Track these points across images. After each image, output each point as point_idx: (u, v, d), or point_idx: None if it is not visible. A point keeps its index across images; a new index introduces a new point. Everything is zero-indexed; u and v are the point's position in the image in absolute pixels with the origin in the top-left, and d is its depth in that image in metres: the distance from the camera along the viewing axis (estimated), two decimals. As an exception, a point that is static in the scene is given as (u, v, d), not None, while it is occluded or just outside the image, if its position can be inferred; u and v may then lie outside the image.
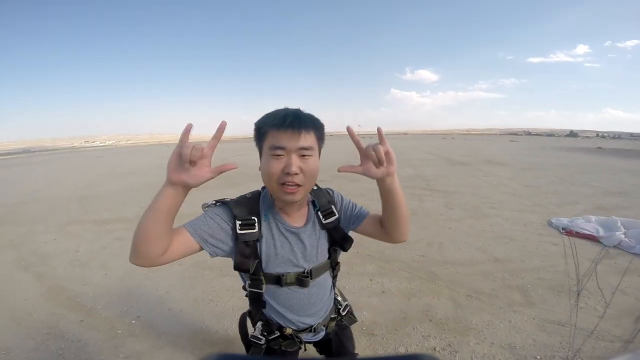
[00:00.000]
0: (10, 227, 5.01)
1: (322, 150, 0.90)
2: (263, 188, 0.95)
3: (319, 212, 0.96)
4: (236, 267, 0.87)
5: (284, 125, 0.78)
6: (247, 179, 8.42)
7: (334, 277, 1.06)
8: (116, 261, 3.47)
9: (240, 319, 1.12)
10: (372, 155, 0.76)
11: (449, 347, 1.99)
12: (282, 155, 0.79)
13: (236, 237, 0.85)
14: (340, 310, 1.11)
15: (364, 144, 0.80)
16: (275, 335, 0.97)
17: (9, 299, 2.78)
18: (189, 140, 0.68)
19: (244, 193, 0.95)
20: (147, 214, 0.70)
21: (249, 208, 0.90)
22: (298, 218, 0.94)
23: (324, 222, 0.95)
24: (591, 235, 3.69)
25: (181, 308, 2.52)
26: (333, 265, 1.02)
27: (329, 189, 1.04)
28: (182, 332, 2.23)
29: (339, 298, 1.13)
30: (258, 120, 0.85)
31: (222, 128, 0.71)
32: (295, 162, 0.79)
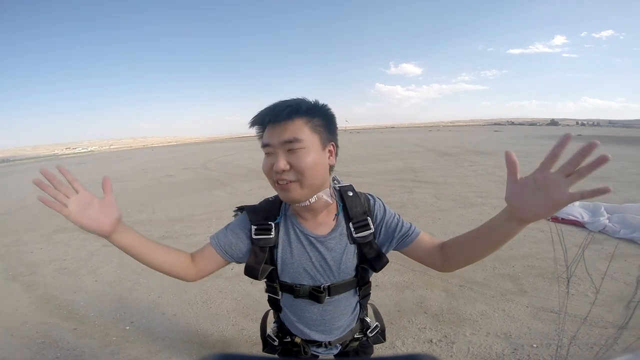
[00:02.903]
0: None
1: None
2: None
3: (350, 223, 0.83)
4: (246, 271, 0.82)
5: (265, 120, 0.73)
6: (234, 179, 8.36)
7: (363, 297, 0.92)
8: (105, 267, 3.41)
9: (264, 315, 1.10)
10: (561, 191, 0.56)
11: (445, 338, 2.02)
12: (272, 152, 0.73)
13: (252, 242, 0.82)
14: (368, 332, 0.99)
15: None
16: (287, 339, 0.95)
17: (0, 309, 2.72)
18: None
19: (268, 197, 0.89)
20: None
21: (267, 212, 0.84)
22: (319, 225, 0.83)
23: (354, 235, 0.81)
24: (576, 221, 3.79)
25: (175, 312, 2.49)
26: (360, 285, 0.87)
27: (370, 195, 0.89)
28: (177, 335, 2.21)
29: (368, 319, 1.01)
30: (252, 118, 0.78)
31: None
32: (281, 158, 0.70)
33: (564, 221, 3.85)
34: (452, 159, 10.24)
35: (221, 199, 6.33)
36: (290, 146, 0.70)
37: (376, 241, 0.84)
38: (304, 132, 0.71)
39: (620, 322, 2.06)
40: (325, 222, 0.83)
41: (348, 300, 0.89)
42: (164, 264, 0.77)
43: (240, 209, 0.89)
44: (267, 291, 0.90)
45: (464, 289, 2.54)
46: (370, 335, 0.99)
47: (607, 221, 3.61)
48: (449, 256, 0.79)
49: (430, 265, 0.83)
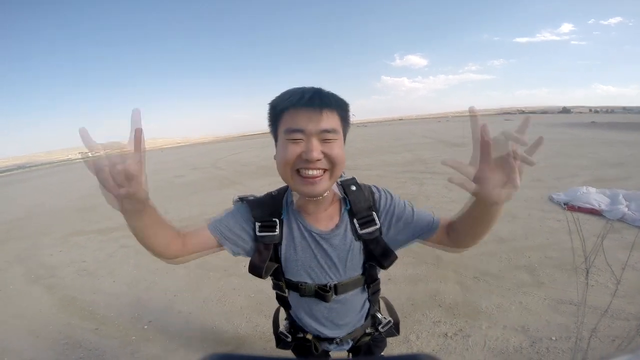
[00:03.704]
0: (15, 243, 5.01)
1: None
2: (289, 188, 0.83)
3: (355, 219, 0.79)
4: (250, 269, 0.79)
5: (302, 102, 0.65)
6: (243, 177, 8.39)
7: (372, 293, 0.89)
8: (123, 268, 3.48)
9: (275, 311, 1.08)
10: (513, 170, 0.53)
11: (461, 332, 2.00)
12: (301, 139, 0.66)
13: (256, 238, 0.79)
14: (380, 327, 0.97)
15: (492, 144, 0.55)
16: (300, 336, 0.93)
17: (24, 312, 2.81)
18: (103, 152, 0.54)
19: (271, 190, 0.85)
20: (133, 233, 0.67)
21: (271, 208, 0.80)
22: (324, 220, 0.80)
23: (359, 231, 0.78)
24: (594, 209, 3.68)
25: (190, 310, 2.53)
26: (369, 282, 0.85)
27: (375, 187, 0.84)
28: (193, 333, 2.25)
29: (379, 314, 0.99)
30: (272, 100, 0.72)
31: (139, 135, 0.54)
32: (317, 147, 0.66)
33: (581, 210, 3.75)
34: (462, 150, 10.07)
35: (232, 197, 6.39)
36: (327, 136, 0.67)
37: (383, 237, 0.80)
38: (338, 124, 0.70)
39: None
40: (329, 216, 0.80)
41: (356, 298, 0.87)
42: (158, 245, 0.70)
43: (244, 199, 0.84)
44: (274, 288, 0.88)
45: (479, 281, 2.51)
46: (382, 330, 0.97)
47: (627, 209, 3.49)
48: (456, 237, 0.77)
49: (444, 247, 0.80)
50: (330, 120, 0.67)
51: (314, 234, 0.79)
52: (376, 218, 0.79)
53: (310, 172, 0.67)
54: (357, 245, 0.80)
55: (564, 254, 2.81)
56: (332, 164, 0.68)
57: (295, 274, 0.81)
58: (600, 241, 2.95)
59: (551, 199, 4.25)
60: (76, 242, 4.65)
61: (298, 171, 0.68)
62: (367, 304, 0.92)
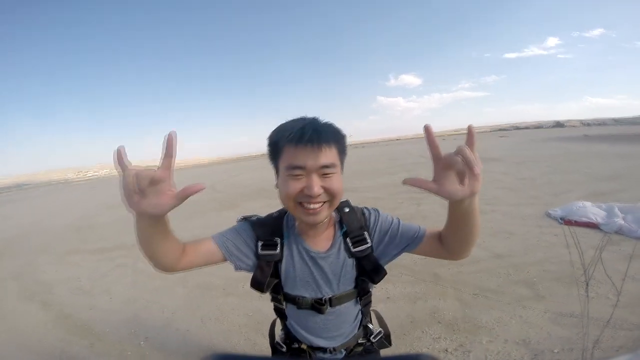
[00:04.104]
0: (11, 260, 5.00)
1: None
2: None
3: (348, 239, 0.85)
4: (252, 284, 0.86)
5: (302, 140, 0.69)
6: (243, 199, 8.37)
7: (364, 305, 0.95)
8: (120, 287, 3.45)
9: (272, 322, 1.11)
10: (457, 163, 0.57)
11: (461, 347, 1.98)
12: (301, 175, 0.71)
13: (258, 256, 0.85)
14: (371, 337, 1.02)
15: (442, 149, 0.61)
16: (295, 346, 0.97)
17: (18, 327, 2.79)
18: (130, 164, 0.56)
19: (272, 212, 0.92)
20: (138, 240, 0.68)
21: (272, 228, 0.87)
22: (321, 241, 0.87)
23: (352, 249, 0.85)
24: (590, 222, 3.71)
25: (188, 328, 2.50)
26: (361, 295, 0.90)
27: (366, 208, 0.91)
28: (190, 351, 2.21)
29: (371, 325, 1.04)
30: (272, 134, 0.77)
31: (171, 142, 0.56)
32: (317, 183, 0.71)
33: (578, 224, 3.78)
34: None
35: (233, 219, 6.36)
36: (326, 171, 0.72)
37: (374, 253, 0.86)
38: (336, 157, 0.75)
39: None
40: (326, 238, 0.87)
41: (349, 309, 0.91)
42: (160, 253, 0.71)
43: (247, 219, 0.90)
44: (272, 300, 0.94)
45: (478, 297, 2.49)
46: (374, 340, 1.02)
47: (623, 221, 3.52)
48: (447, 245, 0.80)
49: (439, 256, 0.83)
50: (328, 155, 0.72)
51: (312, 254, 0.85)
52: (367, 237, 0.85)
53: (312, 206, 0.73)
54: (350, 262, 0.86)
55: (562, 268, 2.82)
56: (331, 196, 0.74)
57: (294, 288, 0.87)
58: (598, 253, 2.95)
59: (548, 215, 4.28)
60: (72, 261, 4.61)
61: (300, 203, 0.74)
62: (360, 316, 0.96)
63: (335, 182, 0.73)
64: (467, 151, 0.56)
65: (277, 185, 0.78)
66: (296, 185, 0.72)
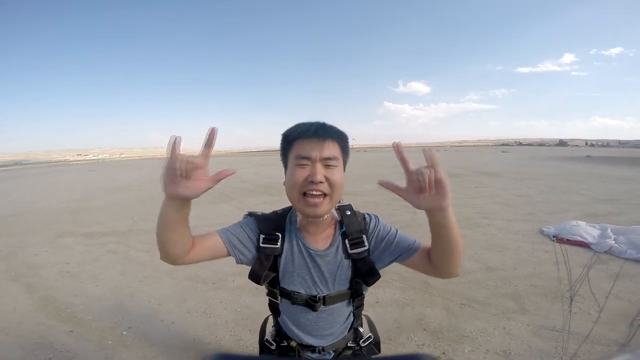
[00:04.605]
0: (2, 239, 4.96)
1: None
2: (292, 208, 0.93)
3: (346, 240, 0.89)
4: (250, 276, 0.88)
5: (308, 134, 0.79)
6: (241, 193, 8.39)
7: (356, 307, 0.97)
8: (108, 273, 3.44)
9: (264, 320, 1.15)
10: (416, 182, 0.67)
11: (444, 355, 1.99)
12: (307, 164, 0.79)
13: (258, 248, 0.88)
14: (360, 341, 1.02)
15: (411, 163, 0.68)
16: (284, 344, 0.98)
17: None
18: (180, 152, 0.65)
19: (277, 209, 0.96)
20: (158, 225, 0.74)
21: (275, 223, 0.91)
22: (321, 239, 0.90)
23: (350, 250, 0.88)
24: (582, 241, 3.74)
25: (174, 319, 2.49)
26: (354, 296, 0.93)
27: (368, 214, 0.95)
28: (174, 343, 2.20)
29: (361, 329, 1.05)
30: (286, 131, 0.85)
31: (212, 135, 0.66)
32: (320, 171, 0.78)
33: (570, 242, 3.80)
34: (458, 180, 10.19)
35: (227, 212, 6.37)
36: (329, 162, 0.79)
37: (371, 257, 0.89)
38: (338, 152, 0.82)
39: (624, 340, 2.04)
40: (326, 237, 0.90)
41: (342, 310, 0.94)
42: (174, 242, 0.76)
43: (252, 214, 0.95)
44: (267, 294, 0.96)
45: (465, 307, 2.50)
46: (363, 345, 1.02)
47: (614, 242, 3.55)
48: (433, 261, 0.82)
49: (429, 273, 0.85)
50: (331, 149, 0.80)
51: (310, 251, 0.89)
52: (365, 240, 0.88)
53: (314, 193, 0.78)
54: (347, 263, 0.89)
55: (549, 283, 2.84)
56: (332, 188, 0.79)
57: (290, 284, 0.90)
58: (586, 271, 2.98)
59: (542, 232, 4.30)
60: (64, 244, 4.60)
61: (304, 194, 0.79)
62: (351, 317, 0.98)
63: (337, 174, 0.80)
64: (425, 175, 0.65)
65: (285, 182, 0.83)
66: (302, 173, 0.78)
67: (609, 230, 3.84)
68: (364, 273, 0.88)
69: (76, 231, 5.30)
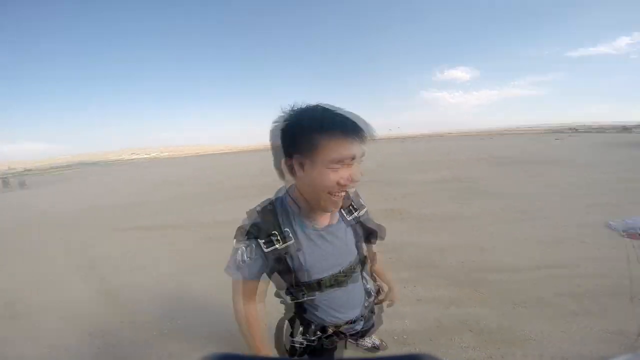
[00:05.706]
0: (68, 233, 5.52)
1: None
2: (277, 199, 0.90)
3: (342, 210, 0.95)
4: (276, 294, 0.98)
5: (348, 133, 0.71)
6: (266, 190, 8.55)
7: (362, 269, 1.02)
8: (160, 265, 3.65)
9: (278, 324, 1.06)
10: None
11: (490, 359, 1.84)
12: (346, 165, 0.74)
13: (265, 256, 0.85)
14: (370, 299, 1.09)
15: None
16: (318, 336, 0.97)
17: (57, 298, 3.04)
18: None
19: (253, 207, 0.91)
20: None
21: (267, 224, 0.85)
22: (324, 218, 0.91)
23: (347, 218, 0.95)
24: (660, 239, 3.27)
25: (221, 310, 2.54)
26: (363, 260, 1.00)
27: (358, 194, 1.06)
28: (220, 333, 2.25)
29: (369, 285, 1.07)
30: (303, 123, 0.73)
31: None
32: (359, 169, 0.77)
33: (643, 238, 3.35)
34: (508, 169, 9.41)
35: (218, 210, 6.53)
36: (359, 160, 0.77)
37: (361, 220, 0.99)
38: None
39: None
40: (327, 215, 0.91)
41: (357, 276, 0.99)
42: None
43: (243, 232, 0.87)
44: (286, 294, 0.93)
45: (518, 308, 2.29)
46: (370, 300, 1.09)
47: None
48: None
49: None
50: (364, 145, 0.76)
51: (321, 232, 0.89)
52: (353, 207, 0.97)
53: (342, 194, 0.77)
54: (350, 231, 0.95)
55: (617, 282, 2.52)
56: (354, 183, 0.78)
57: (313, 275, 0.88)
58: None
59: (608, 226, 3.83)
60: (121, 237, 4.99)
61: (330, 192, 0.76)
62: (362, 280, 1.04)
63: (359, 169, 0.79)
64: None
65: (300, 178, 0.78)
66: (335, 177, 0.73)
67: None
68: (363, 234, 0.98)
69: (134, 224, 5.75)
